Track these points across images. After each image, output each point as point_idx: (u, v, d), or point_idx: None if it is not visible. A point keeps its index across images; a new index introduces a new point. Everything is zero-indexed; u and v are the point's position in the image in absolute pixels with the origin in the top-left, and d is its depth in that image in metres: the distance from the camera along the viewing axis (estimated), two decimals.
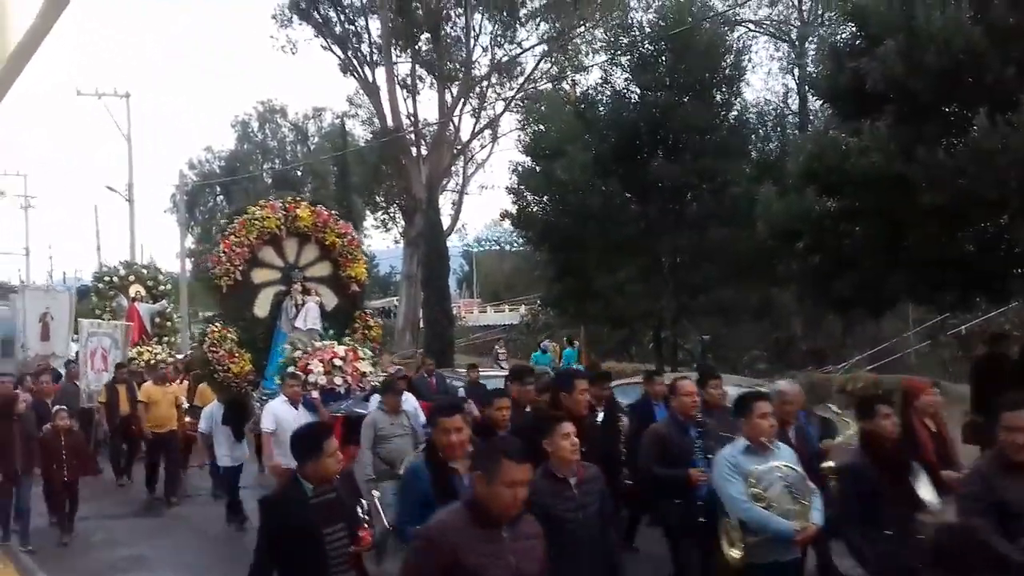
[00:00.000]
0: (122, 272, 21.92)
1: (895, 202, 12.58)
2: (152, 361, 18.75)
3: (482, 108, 40.18)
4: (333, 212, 13.87)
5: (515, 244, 43.41)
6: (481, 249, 61.55)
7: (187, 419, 14.65)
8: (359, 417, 10.62)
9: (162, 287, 22.13)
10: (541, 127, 22.75)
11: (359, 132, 46.07)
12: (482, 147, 42.77)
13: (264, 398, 11.83)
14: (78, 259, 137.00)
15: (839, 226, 13.64)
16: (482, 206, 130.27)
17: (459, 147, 40.81)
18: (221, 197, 57.75)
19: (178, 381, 15.63)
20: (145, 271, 22.63)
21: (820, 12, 28.03)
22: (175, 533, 12.19)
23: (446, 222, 36.91)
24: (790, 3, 31.27)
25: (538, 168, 21.63)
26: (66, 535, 11.55)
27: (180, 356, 20.81)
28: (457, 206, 42.55)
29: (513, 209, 22.48)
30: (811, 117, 23.26)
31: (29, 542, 11.08)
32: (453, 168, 41.63)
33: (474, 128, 40.77)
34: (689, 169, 19.03)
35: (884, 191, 12.56)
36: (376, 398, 10.60)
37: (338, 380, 11.99)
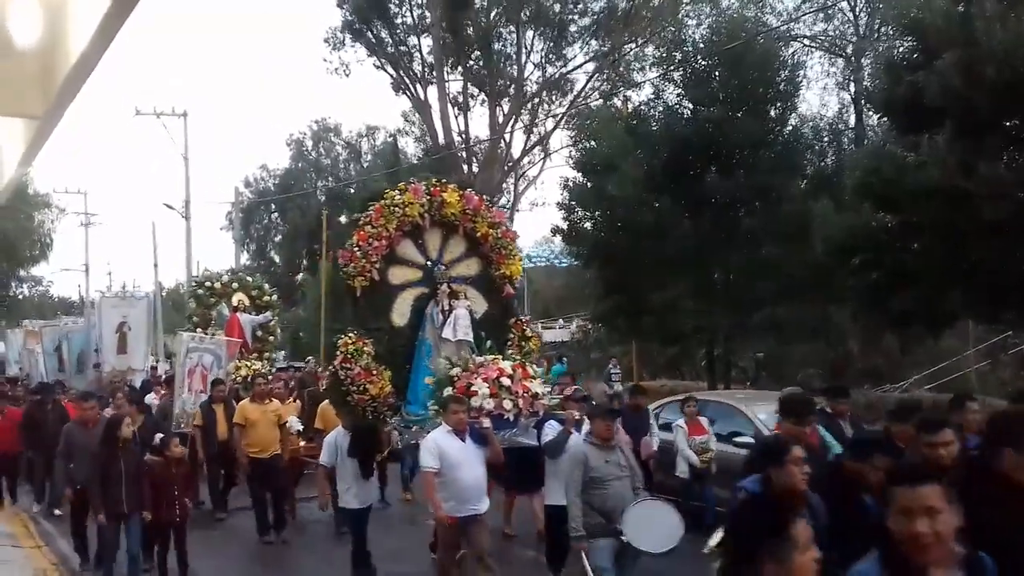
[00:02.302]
0: (225, 278, 19.92)
1: (954, 217, 12.38)
2: (250, 377, 16.77)
3: (533, 125, 40.30)
4: (485, 197, 11.48)
5: (566, 260, 43.33)
6: (532, 265, 61.61)
7: (301, 443, 13.11)
8: (528, 451, 9.29)
9: (267, 297, 20.07)
10: (592, 143, 22.70)
11: (411, 150, 46.44)
12: (532, 164, 42.87)
13: (410, 426, 10.08)
14: (136, 276, 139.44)
15: (897, 242, 13.46)
16: (533, 223, 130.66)
17: (510, 164, 40.94)
18: (276, 214, 58.47)
19: (290, 399, 14.37)
20: (250, 279, 20.76)
21: (877, 26, 27.67)
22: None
23: None
24: (846, 18, 30.89)
25: (589, 184, 21.58)
26: None
27: (280, 370, 19.52)
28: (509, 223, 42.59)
29: (564, 225, 22.44)
30: (867, 132, 22.94)
31: None
32: (504, 185, 41.77)
33: (525, 145, 40.91)
34: (742, 184, 18.86)
35: (943, 206, 12.37)
36: (553, 426, 8.99)
37: (507, 403, 9.53)
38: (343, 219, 53.53)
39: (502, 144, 39.72)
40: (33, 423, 13.99)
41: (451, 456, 7.94)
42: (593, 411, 8.15)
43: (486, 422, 8.78)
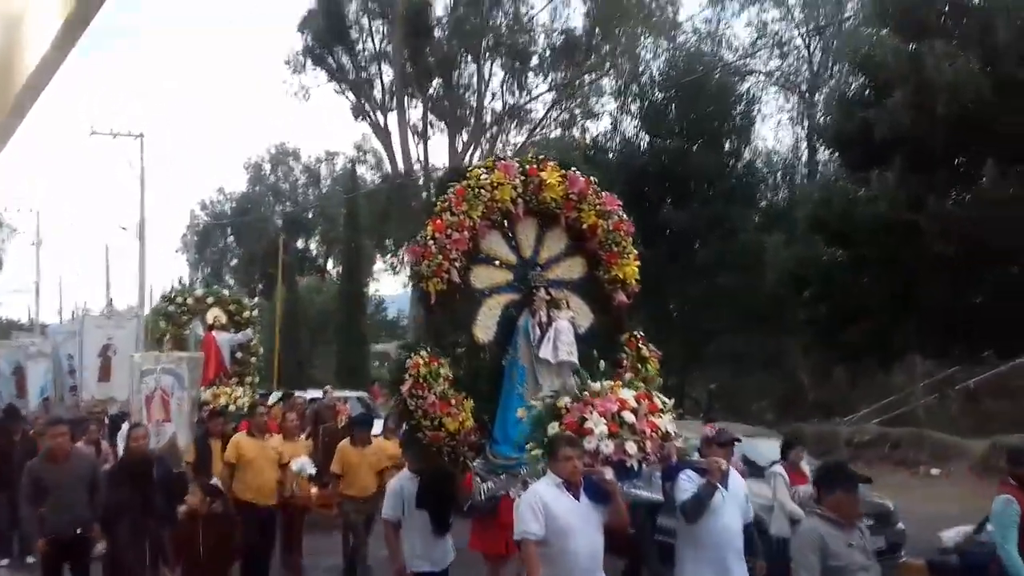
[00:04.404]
0: (199, 292, 17.70)
1: (904, 252, 12.57)
2: (230, 405, 14.69)
3: (492, 153, 40.44)
4: (592, 178, 8.92)
5: None
6: None
7: (313, 490, 10.89)
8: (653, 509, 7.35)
9: (247, 313, 17.49)
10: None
11: (370, 176, 46.33)
12: None
13: (498, 472, 7.61)
14: (87, 298, 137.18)
15: (847, 275, 13.62)
16: None
17: None
18: (232, 238, 57.99)
19: (303, 435, 12.38)
20: (227, 292, 18.39)
21: (830, 64, 28.20)
22: None
23: None
24: (801, 55, 31.45)
25: None
26: None
27: (274, 400, 16.96)
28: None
29: None
30: (820, 167, 23.30)
31: None
32: None
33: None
34: (697, 216, 19.03)
35: (892, 240, 12.56)
36: (690, 477, 6.52)
37: (630, 446, 6.87)
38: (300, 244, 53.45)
39: None
40: None
41: (561, 518, 5.78)
42: (821, 476, 5.71)
43: (608, 472, 6.23)
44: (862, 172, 13.24)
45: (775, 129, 56.84)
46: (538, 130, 38.32)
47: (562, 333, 7.89)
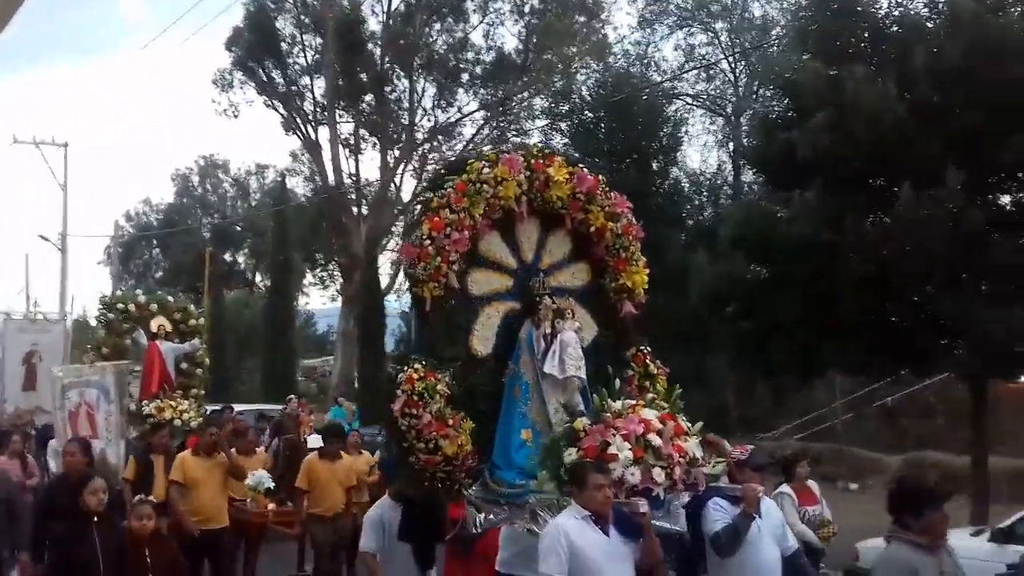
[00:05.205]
0: (142, 299, 16.07)
1: (823, 270, 12.83)
2: (174, 419, 13.66)
3: (424, 169, 40.39)
4: (601, 176, 8.04)
5: None
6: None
7: (271, 506, 10.38)
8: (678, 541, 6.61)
9: (193, 321, 16.27)
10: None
11: (300, 189, 45.95)
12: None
13: (499, 501, 6.53)
14: (8, 307, 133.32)
15: (769, 293, 13.85)
16: None
17: (400, 207, 40.87)
18: (157, 250, 56.93)
19: (263, 448, 11.86)
20: (171, 300, 16.86)
21: (755, 87, 28.82)
22: None
23: (385, 281, 36.82)
24: (727, 78, 32.09)
25: None
26: None
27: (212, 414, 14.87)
28: (396, 266, 42.51)
29: None
30: (744, 188, 23.76)
31: None
32: (393, 228, 41.67)
33: (415, 189, 40.94)
34: None
35: (812, 259, 12.82)
36: (720, 507, 6.02)
37: (658, 474, 6.01)
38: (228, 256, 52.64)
39: (392, 187, 39.68)
40: None
41: (588, 556, 5.10)
42: (902, 498, 5.16)
43: (642, 505, 5.56)
44: (785, 192, 13.49)
45: (701, 150, 57.85)
46: (469, 147, 38.44)
47: (569, 346, 7.02)
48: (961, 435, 17.25)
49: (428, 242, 6.70)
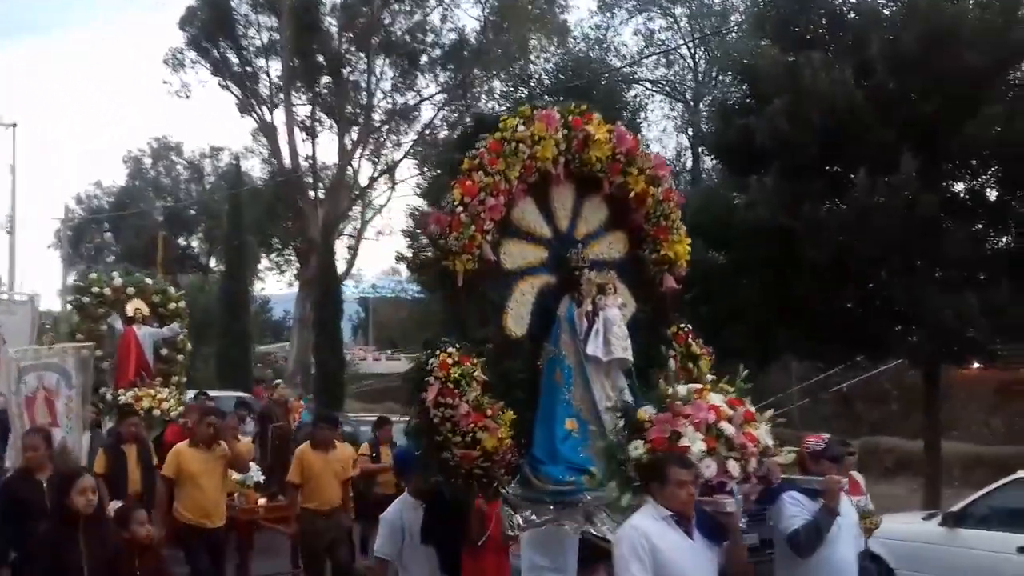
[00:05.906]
0: (117, 282, 14.85)
1: (780, 256, 12.88)
2: (153, 409, 12.80)
3: (381, 153, 40.07)
4: (640, 136, 7.39)
5: (413, 293, 43.11)
6: (378, 295, 61.07)
7: (261, 500, 9.72)
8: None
9: (173, 304, 15.19)
10: (439, 172, 22.75)
11: (257, 172, 45.37)
12: (380, 192, 42.56)
13: (545, 501, 5.77)
14: None
15: (727, 278, 13.89)
16: (380, 253, 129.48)
17: (357, 191, 40.52)
18: (109, 234, 55.98)
19: (250, 439, 11.23)
20: (150, 282, 15.63)
21: (714, 73, 28.89)
22: None
23: (342, 266, 36.52)
24: (686, 64, 32.14)
25: None
26: None
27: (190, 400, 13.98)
28: (354, 251, 42.12)
29: (409, 253, 22.33)
30: (703, 174, 23.82)
31: None
32: (350, 212, 41.31)
33: (373, 173, 40.61)
34: None
35: (770, 245, 12.86)
36: (796, 500, 5.46)
37: (732, 466, 5.14)
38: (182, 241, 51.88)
39: (349, 170, 39.32)
40: None
41: (671, 561, 4.53)
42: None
43: (728, 504, 4.90)
44: (742, 178, 13.51)
45: (661, 136, 58.09)
46: (427, 130, 38.15)
47: (613, 324, 6.22)
48: (915, 420, 17.48)
49: (460, 208, 5.91)
